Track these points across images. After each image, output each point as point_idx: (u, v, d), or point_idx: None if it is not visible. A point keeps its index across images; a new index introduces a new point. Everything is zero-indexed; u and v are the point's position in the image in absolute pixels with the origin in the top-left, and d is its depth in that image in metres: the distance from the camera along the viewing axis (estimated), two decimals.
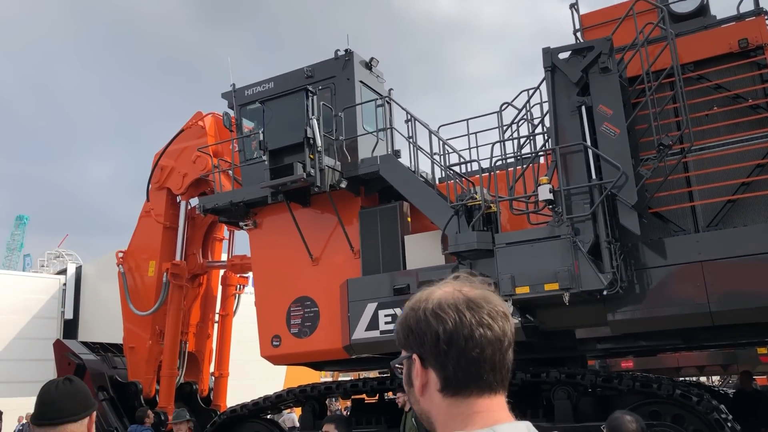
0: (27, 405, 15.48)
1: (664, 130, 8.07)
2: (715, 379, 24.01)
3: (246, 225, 11.23)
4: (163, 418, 13.21)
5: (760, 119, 8.02)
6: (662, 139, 7.60)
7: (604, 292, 7.59)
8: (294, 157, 9.65)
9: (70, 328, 30.87)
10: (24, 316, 29.48)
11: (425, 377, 1.29)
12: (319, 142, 9.57)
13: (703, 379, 22.21)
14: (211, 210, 11.22)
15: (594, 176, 8.00)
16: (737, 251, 7.57)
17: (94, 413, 2.57)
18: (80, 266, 32.49)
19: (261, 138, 9.88)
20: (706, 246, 7.76)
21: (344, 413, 16.03)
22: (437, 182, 10.48)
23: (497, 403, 1.25)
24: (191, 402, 14.81)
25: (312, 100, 9.73)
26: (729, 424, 7.79)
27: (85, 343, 15.07)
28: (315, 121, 9.58)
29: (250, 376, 16.95)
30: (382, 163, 9.91)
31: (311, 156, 9.54)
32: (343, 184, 9.96)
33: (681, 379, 14.84)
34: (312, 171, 9.49)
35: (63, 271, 33.15)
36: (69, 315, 31.08)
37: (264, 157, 9.99)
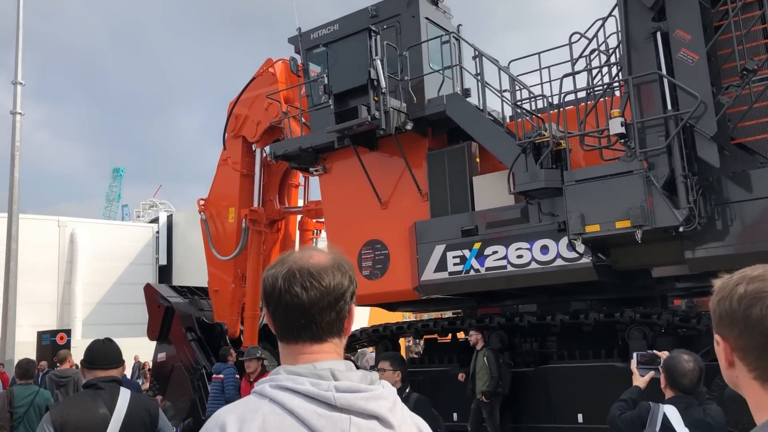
0: (131, 345, 16.55)
1: (750, 55, 7.47)
2: None
3: (316, 170, 11.36)
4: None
5: None
6: (746, 64, 7.03)
7: (680, 229, 7.24)
8: (359, 99, 9.59)
9: (165, 273, 32.70)
10: (122, 263, 31.43)
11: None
12: (383, 83, 9.46)
13: None
14: (282, 156, 11.38)
15: (670, 107, 7.53)
16: None
17: (123, 366, 3.30)
18: (171, 215, 34.10)
19: (326, 81, 9.86)
20: None
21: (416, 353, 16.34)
22: (507, 121, 10.21)
23: (323, 348, 1.58)
24: (273, 341, 15.46)
25: (375, 40, 9.58)
26: None
27: (173, 287, 15.90)
28: (378, 62, 9.45)
29: None
30: (449, 103, 9.71)
31: (375, 98, 9.45)
32: (409, 126, 9.85)
33: None
34: (377, 114, 9.42)
35: (155, 220, 35.00)
36: (163, 261, 32.89)
37: (330, 102, 9.99)
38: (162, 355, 14.36)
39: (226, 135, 14.74)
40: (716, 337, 1.36)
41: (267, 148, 14.37)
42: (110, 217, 72.04)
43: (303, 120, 12.15)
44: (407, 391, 4.70)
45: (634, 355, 3.94)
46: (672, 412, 3.41)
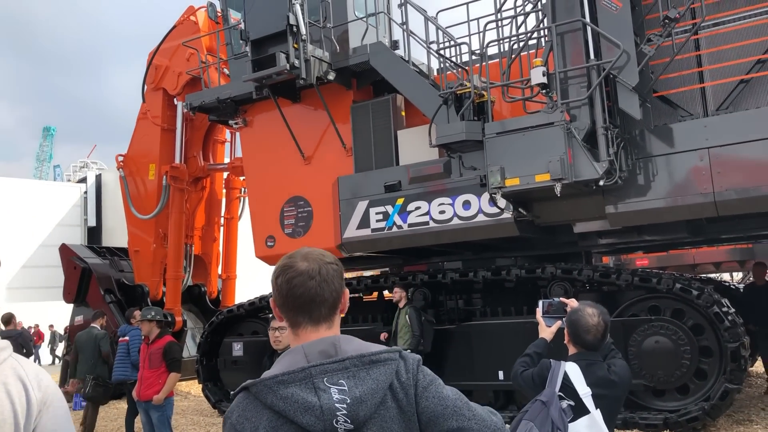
0: (55, 309, 15.76)
1: (675, 5, 7.28)
2: (738, 276, 23.63)
3: (236, 123, 10.80)
4: (169, 318, 13.35)
5: None
6: (668, 13, 6.84)
7: (601, 183, 7.09)
8: (278, 47, 9.06)
9: (94, 235, 31.48)
10: (48, 225, 30.09)
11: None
12: (303, 29, 8.95)
13: (726, 276, 21.86)
14: (199, 108, 10.78)
15: (593, 57, 7.32)
16: (747, 136, 6.96)
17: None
18: (100, 174, 32.72)
19: (242, 27, 9.29)
20: (713, 131, 7.16)
21: None
22: (435, 74, 9.86)
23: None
24: (200, 303, 15.00)
25: None
26: (729, 318, 7.44)
27: (91, 247, 15.21)
28: (298, 7, 8.91)
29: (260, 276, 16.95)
30: (372, 52, 9.28)
31: (295, 45, 8.94)
32: (331, 76, 9.40)
33: (698, 276, 14.50)
34: (296, 62, 8.92)
35: (84, 180, 33.54)
36: (92, 222, 31.64)
37: (247, 49, 9.43)
38: (79, 319, 13.72)
39: (145, 87, 13.98)
40: None
41: None
42: (41, 178, 69.11)
43: (224, 70, 11.54)
44: None
45: (540, 303, 3.66)
46: (573, 370, 3.18)
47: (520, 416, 3.01)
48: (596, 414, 3.02)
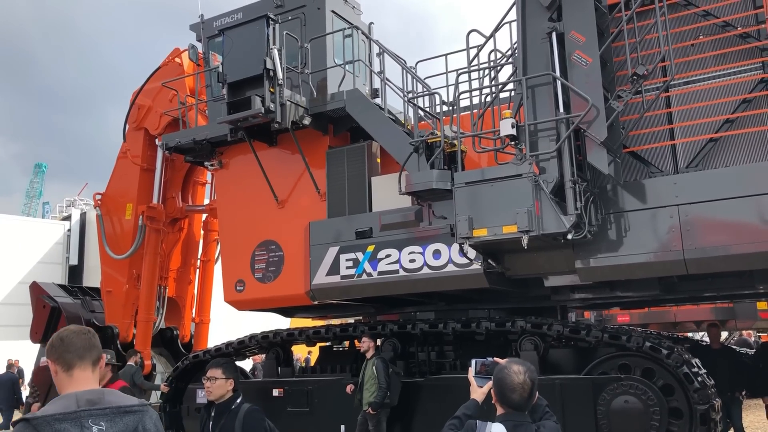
0: (30, 348, 15.38)
1: (646, 63, 7.32)
2: (724, 335, 23.37)
3: (212, 165, 10.74)
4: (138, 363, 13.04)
5: (749, 49, 7.25)
6: (637, 69, 6.87)
7: (569, 236, 7.00)
8: (255, 91, 9.06)
9: (75, 273, 31.03)
10: (29, 261, 29.68)
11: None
12: (279, 74, 8.97)
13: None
14: (174, 148, 10.72)
15: (563, 111, 7.32)
16: (716, 194, 6.92)
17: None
18: (85, 213, 32.46)
19: (220, 69, 9.31)
20: (683, 188, 7.11)
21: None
22: (411, 122, 9.87)
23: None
24: (172, 347, 14.66)
25: (273, 28, 9.09)
26: (699, 378, 7.27)
27: (62, 286, 14.91)
28: (276, 52, 8.95)
29: (235, 322, 16.69)
30: (348, 99, 9.29)
31: (271, 89, 8.95)
32: (307, 121, 9.38)
33: (676, 334, 14.32)
34: (272, 105, 8.91)
35: (68, 218, 33.24)
36: (74, 261, 31.23)
37: (224, 91, 9.42)
38: (45, 359, 13.34)
39: (127, 126, 13.93)
40: None
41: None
42: (29, 214, 68.65)
43: (204, 112, 11.54)
44: (238, 401, 4.20)
45: (473, 362, 3.51)
46: (498, 431, 3.02)
47: None
48: None
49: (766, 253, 6.64)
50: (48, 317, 13.42)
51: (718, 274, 7.81)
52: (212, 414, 4.23)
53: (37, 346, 14.12)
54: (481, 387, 3.41)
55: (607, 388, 7.78)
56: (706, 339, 14.66)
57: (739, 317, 16.09)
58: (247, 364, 15.39)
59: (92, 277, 29.00)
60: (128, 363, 11.35)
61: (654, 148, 7.64)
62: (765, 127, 7.10)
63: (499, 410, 3.19)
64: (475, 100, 8.60)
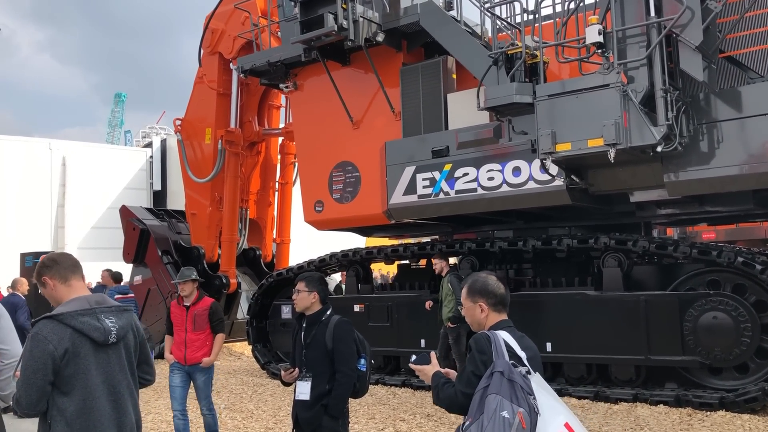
0: (123, 267, 16.35)
1: None
2: None
3: (286, 87, 10.75)
4: (224, 281, 13.64)
5: None
6: None
7: (659, 149, 6.68)
8: (327, 8, 8.89)
9: (159, 198, 32.28)
10: (116, 188, 31.08)
11: None
12: None
13: None
14: (250, 71, 10.75)
15: (654, 14, 6.84)
16: None
17: None
18: (165, 139, 33.44)
19: None
20: None
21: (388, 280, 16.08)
22: (489, 35, 9.50)
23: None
24: (255, 266, 15.23)
25: None
26: None
27: (150, 209, 15.58)
28: None
29: (315, 241, 16.99)
30: (422, 12, 9.00)
31: (344, 6, 8.76)
32: (380, 38, 9.18)
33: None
34: (344, 23, 8.75)
35: (149, 145, 34.36)
36: (157, 186, 32.45)
37: (296, 10, 9.30)
38: (138, 278, 14.15)
39: (202, 51, 14.04)
40: None
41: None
42: (113, 143, 71.43)
43: (277, 33, 11.47)
44: (328, 313, 4.32)
45: (412, 357, 3.40)
46: (508, 337, 2.92)
47: (480, 393, 2.74)
48: (538, 376, 2.83)
49: None
50: (138, 239, 14.12)
51: None
52: (304, 325, 4.36)
53: (130, 266, 14.93)
54: (430, 363, 3.23)
55: (694, 304, 7.60)
56: None
57: None
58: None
59: (176, 201, 30.13)
60: None
61: (754, 52, 7.08)
62: None
63: (493, 319, 3.05)
64: (558, 8, 8.15)
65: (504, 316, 3.08)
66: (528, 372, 2.81)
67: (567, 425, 2.74)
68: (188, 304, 6.42)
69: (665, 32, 6.60)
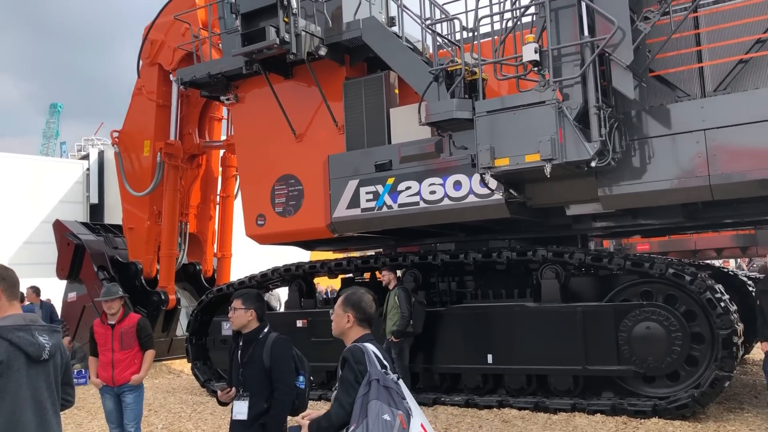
0: (57, 285, 15.74)
1: None
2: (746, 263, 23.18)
3: (228, 99, 10.63)
4: (163, 297, 13.31)
5: None
6: None
7: (593, 164, 6.88)
8: (269, 21, 8.85)
9: (96, 212, 31.37)
10: (50, 201, 30.03)
11: None
12: (294, 3, 8.74)
13: (732, 262, 21.45)
14: (190, 83, 10.60)
15: (587, 34, 7.07)
16: (745, 118, 6.73)
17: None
18: (102, 151, 32.56)
19: (233, 0, 9.08)
20: (711, 113, 6.92)
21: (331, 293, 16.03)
22: (430, 51, 9.63)
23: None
24: (195, 282, 14.93)
25: None
26: (722, 304, 7.28)
27: (85, 224, 15.14)
28: None
29: (257, 256, 16.80)
30: (365, 28, 9.06)
31: (285, 19, 8.74)
32: (322, 51, 9.18)
33: (698, 261, 14.28)
34: (286, 36, 8.72)
35: (86, 157, 33.38)
36: (94, 200, 31.54)
37: (238, 23, 9.22)
38: (72, 295, 13.70)
39: (141, 62, 13.79)
40: None
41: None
42: (48, 154, 68.98)
43: (218, 45, 11.34)
44: (266, 331, 4.27)
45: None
46: (375, 348, 3.25)
47: (361, 400, 3.02)
48: (401, 383, 3.18)
49: None
50: (73, 254, 13.67)
51: (742, 200, 7.70)
52: (240, 343, 4.30)
53: (64, 282, 14.42)
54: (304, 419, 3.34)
55: (628, 315, 7.83)
56: (726, 266, 14.61)
57: (760, 244, 15.98)
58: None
59: (113, 215, 29.30)
60: None
61: (681, 72, 7.40)
62: None
63: (358, 332, 3.35)
64: (497, 26, 8.33)
65: (368, 331, 3.38)
66: (398, 378, 3.16)
67: (423, 426, 3.07)
68: (113, 323, 6.20)
69: (598, 51, 6.82)
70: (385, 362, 3.19)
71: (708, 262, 15.12)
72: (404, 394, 3.11)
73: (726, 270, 12.22)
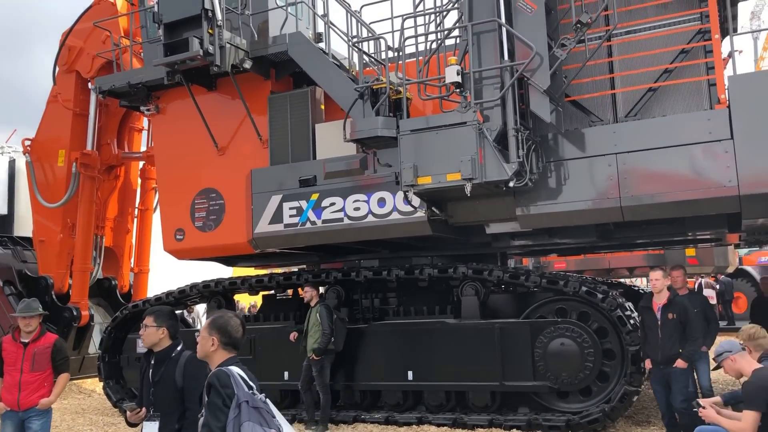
0: None
1: (589, 10, 7.32)
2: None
3: (148, 110, 10.36)
4: (75, 313, 12.73)
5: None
6: (581, 17, 6.89)
7: (511, 184, 7.07)
8: (193, 32, 8.69)
9: (5, 223, 29.84)
10: None
11: None
12: (218, 15, 8.62)
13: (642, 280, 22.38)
14: (108, 92, 10.27)
15: (507, 58, 7.30)
16: (653, 143, 7.08)
17: None
18: (14, 160, 31.08)
19: (155, 9, 8.88)
20: (622, 137, 7.25)
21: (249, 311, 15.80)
22: (356, 68, 9.69)
23: None
24: (110, 297, 14.36)
25: None
26: (632, 321, 7.59)
27: None
28: None
29: (175, 271, 16.35)
30: (291, 42, 9.03)
31: (210, 31, 8.61)
32: (247, 64, 9.09)
33: (611, 280, 14.86)
34: (210, 48, 8.58)
35: None
36: (3, 210, 29.99)
37: (160, 32, 9.01)
38: None
39: (57, 69, 13.25)
40: None
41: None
42: None
43: (139, 54, 11.04)
44: (179, 349, 4.14)
45: None
46: (241, 371, 3.29)
47: (233, 423, 3.08)
48: (269, 401, 3.27)
49: (697, 200, 6.88)
50: None
51: (652, 222, 8.07)
52: (152, 362, 4.15)
53: None
54: None
55: (544, 332, 8.04)
56: (638, 284, 15.27)
57: (669, 263, 16.80)
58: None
59: (23, 227, 27.84)
60: None
61: (595, 98, 7.74)
62: (701, 78, 7.27)
63: (223, 355, 3.39)
64: (421, 47, 8.49)
65: (233, 354, 3.41)
66: (266, 397, 3.21)
67: None
68: (27, 341, 5.83)
69: (517, 75, 7.04)
70: (251, 383, 3.23)
71: (621, 280, 15.78)
72: (273, 413, 3.18)
73: (637, 288, 12.78)
